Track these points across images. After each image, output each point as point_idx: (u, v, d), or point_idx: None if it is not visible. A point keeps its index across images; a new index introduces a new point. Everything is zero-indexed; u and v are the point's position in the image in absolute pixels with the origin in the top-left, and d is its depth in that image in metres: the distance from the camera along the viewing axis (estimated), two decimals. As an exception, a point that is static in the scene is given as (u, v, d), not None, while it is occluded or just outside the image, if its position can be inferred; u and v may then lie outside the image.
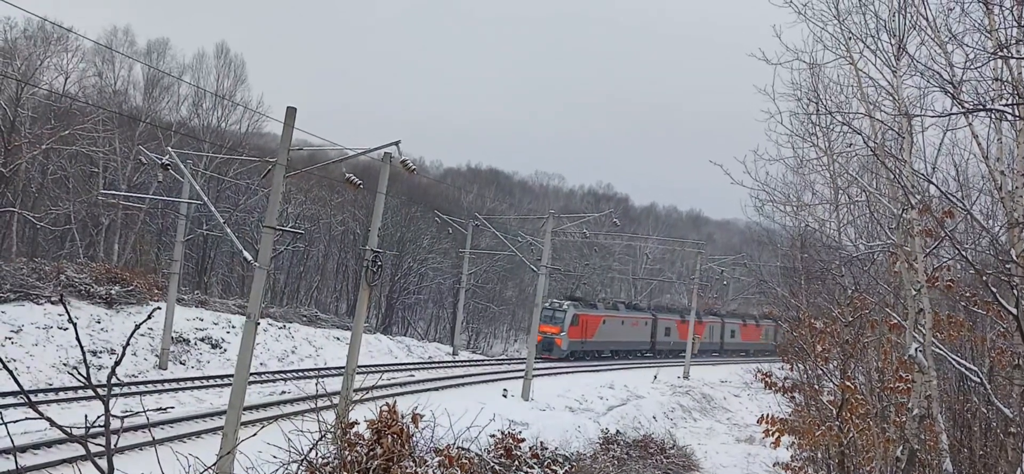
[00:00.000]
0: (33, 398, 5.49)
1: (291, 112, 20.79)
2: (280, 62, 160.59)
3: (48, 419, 5.08)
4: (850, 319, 17.25)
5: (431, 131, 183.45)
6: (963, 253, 13.03)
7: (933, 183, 13.91)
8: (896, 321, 14.91)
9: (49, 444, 20.39)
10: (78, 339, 4.77)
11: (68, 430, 5.26)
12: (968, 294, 14.63)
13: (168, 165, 32.21)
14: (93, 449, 5.22)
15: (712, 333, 75.41)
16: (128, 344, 5.12)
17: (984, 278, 11.85)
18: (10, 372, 5.02)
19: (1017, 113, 11.34)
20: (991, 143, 12.73)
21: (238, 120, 59.00)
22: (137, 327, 5.45)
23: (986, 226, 14.17)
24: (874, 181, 17.39)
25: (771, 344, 72.18)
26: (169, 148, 33.27)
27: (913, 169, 13.48)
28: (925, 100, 13.69)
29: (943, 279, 14.23)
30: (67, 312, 4.96)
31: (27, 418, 5.43)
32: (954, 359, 13.89)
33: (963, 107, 10.99)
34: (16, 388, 24.40)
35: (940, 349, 13.68)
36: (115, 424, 5.07)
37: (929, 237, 13.59)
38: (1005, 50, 10.92)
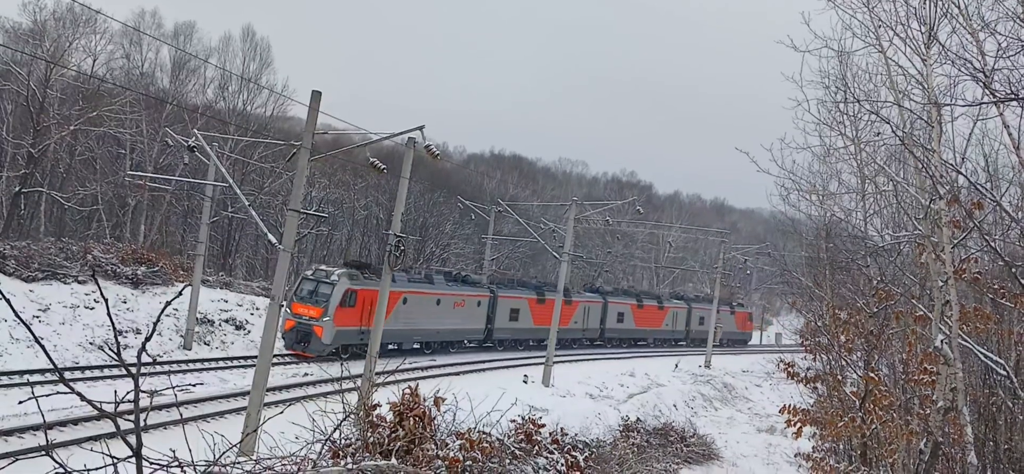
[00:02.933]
0: (62, 376, 5.56)
1: (316, 96, 20.87)
2: (306, 46, 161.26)
3: (79, 394, 5.13)
4: (875, 310, 17.12)
5: (455, 117, 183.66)
6: (992, 244, 12.91)
7: (962, 173, 13.77)
8: (922, 313, 14.78)
9: (76, 421, 20.69)
10: (109, 316, 4.82)
11: (99, 406, 5.32)
12: (995, 286, 14.49)
13: (194, 147, 32.44)
14: (122, 426, 5.29)
15: (587, 317, 57.64)
16: (158, 321, 5.17)
17: (1013, 270, 11.74)
18: (43, 348, 5.10)
19: (1049, 103, 11.18)
20: (1022, 133, 12.56)
21: (263, 103, 59.35)
22: (167, 304, 5.51)
23: (1015, 217, 14.01)
24: (902, 171, 17.25)
25: (678, 331, 69.24)
26: (195, 130, 33.53)
27: (942, 159, 13.34)
28: (955, 89, 13.53)
29: (970, 271, 14.08)
30: (99, 288, 5.02)
31: (57, 392, 5.51)
32: (980, 352, 13.77)
33: (994, 96, 10.84)
34: (45, 365, 24.74)
35: (966, 341, 13.56)
36: (144, 402, 5.13)
37: (957, 228, 13.45)
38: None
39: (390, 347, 38.29)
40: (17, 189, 44.72)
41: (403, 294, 40.09)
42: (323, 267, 39.84)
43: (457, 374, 35.20)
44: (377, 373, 22.16)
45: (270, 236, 25.30)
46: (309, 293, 36.74)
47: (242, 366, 31.77)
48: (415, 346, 42.58)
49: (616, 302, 61.03)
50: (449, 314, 43.76)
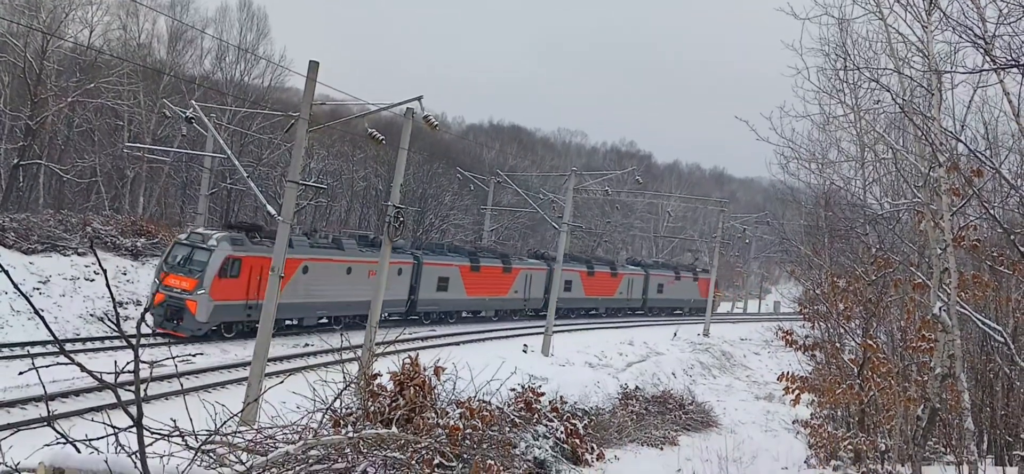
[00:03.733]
0: (62, 347, 5.58)
1: (313, 66, 20.80)
2: (303, 16, 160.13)
3: (79, 365, 5.16)
4: (873, 278, 17.16)
5: (453, 87, 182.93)
6: (991, 212, 12.91)
7: (962, 141, 13.74)
8: (920, 280, 14.81)
9: (78, 392, 20.80)
10: (109, 288, 4.83)
11: (99, 376, 5.35)
12: (994, 253, 14.52)
13: (192, 118, 32.37)
14: (123, 396, 5.32)
15: (529, 285, 52.78)
16: (155, 292, 5.18)
17: (1011, 237, 11.76)
18: (43, 320, 5.11)
19: (1050, 70, 11.13)
20: (1022, 100, 12.53)
21: (261, 74, 59.12)
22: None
23: (1015, 185, 14.01)
24: (901, 139, 17.21)
25: (635, 300, 63.99)
26: (193, 101, 33.41)
27: (942, 127, 13.30)
28: (956, 56, 13.47)
29: (969, 238, 14.10)
30: (98, 260, 5.03)
31: (58, 364, 5.53)
32: (978, 319, 13.80)
33: (995, 63, 10.79)
34: (46, 337, 24.83)
35: (964, 308, 13.60)
36: (144, 372, 5.16)
37: (956, 196, 13.44)
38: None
39: (288, 323, 35.25)
40: (15, 162, 44.61)
41: (302, 261, 34.77)
42: (200, 230, 34.40)
43: (457, 344, 35.36)
44: (378, 343, 22.25)
45: (269, 207, 25.29)
46: (182, 261, 31.01)
47: (243, 337, 31.86)
48: (322, 321, 37.67)
49: (566, 269, 54.00)
50: (362, 283, 35.71)
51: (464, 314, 47.52)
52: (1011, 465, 14.96)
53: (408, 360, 13.05)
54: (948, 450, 16.45)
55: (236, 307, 31.60)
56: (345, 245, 38.42)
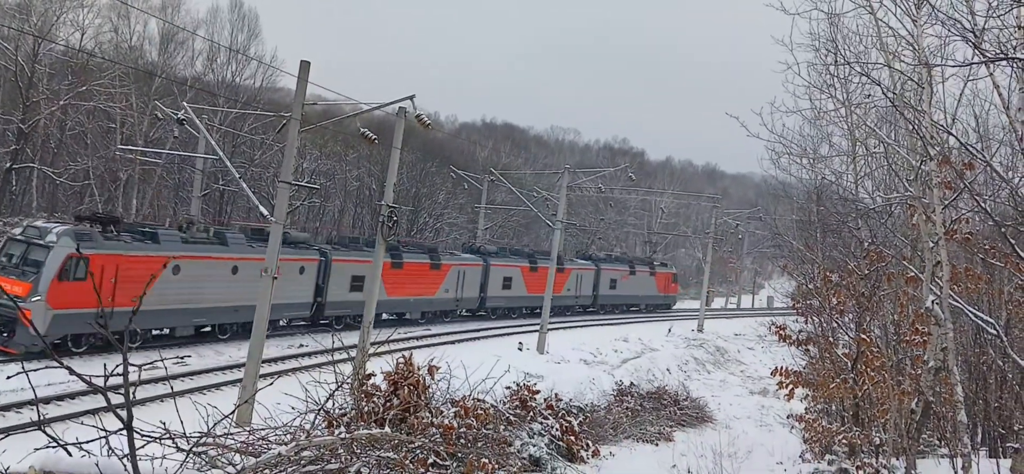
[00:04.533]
0: (51, 351, 5.55)
1: (305, 66, 20.77)
2: (294, 16, 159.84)
3: (69, 369, 5.14)
4: (866, 272, 17.19)
5: (446, 86, 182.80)
6: (982, 205, 12.94)
7: (953, 134, 13.76)
8: (913, 274, 14.85)
9: (72, 395, 20.77)
10: (96, 292, 4.82)
11: (88, 379, 5.34)
12: (986, 246, 14.55)
13: (184, 120, 32.26)
14: (113, 399, 5.30)
15: (461, 283, 46.82)
16: (144, 294, 5.17)
17: (1003, 230, 11.78)
18: (31, 324, 5.09)
19: (1039, 62, 11.16)
20: (1012, 93, 12.56)
21: (252, 75, 58.99)
22: (153, 277, 5.50)
23: (1006, 177, 14.04)
24: (892, 132, 17.25)
25: (584, 296, 58.97)
26: (184, 103, 33.30)
27: (933, 120, 13.33)
28: (946, 50, 13.51)
29: (961, 231, 14.13)
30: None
31: (48, 367, 5.51)
32: (971, 312, 13.84)
33: (984, 56, 10.81)
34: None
35: (957, 302, 13.63)
36: (134, 374, 5.14)
37: (948, 189, 13.47)
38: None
39: (155, 333, 29.56)
40: (8, 165, 44.49)
41: (171, 260, 28.67)
42: (38, 223, 29.62)
43: (452, 343, 35.40)
44: (373, 343, 22.22)
45: (261, 208, 25.19)
46: (15, 261, 25.95)
47: (237, 338, 31.79)
48: (205, 329, 31.90)
49: (501, 264, 50.65)
50: (255, 285, 26.38)
51: (384, 317, 39.97)
52: (1005, 457, 15.01)
53: (402, 359, 13.02)
54: (942, 443, 16.53)
55: (84, 316, 24.25)
56: (230, 240, 32.45)
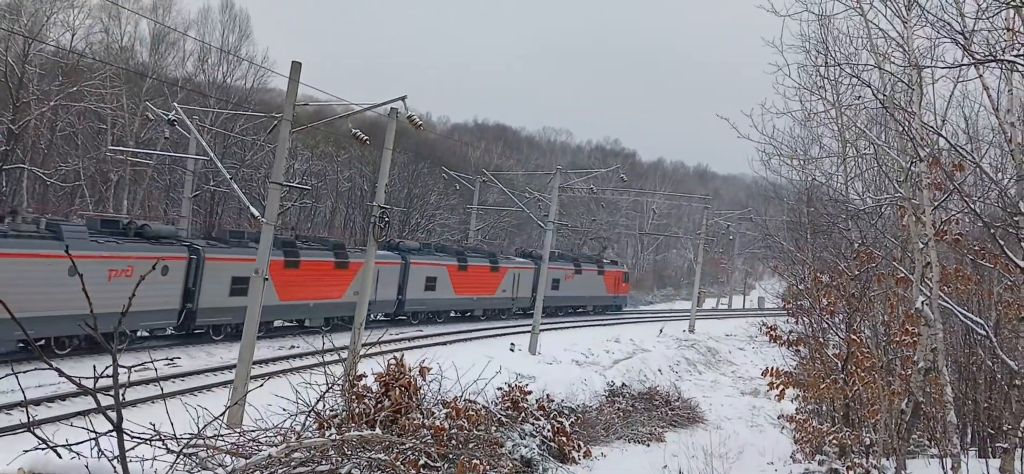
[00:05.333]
0: (40, 352, 5.54)
1: (296, 67, 20.75)
2: (285, 16, 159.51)
3: (58, 370, 5.13)
4: (856, 273, 17.25)
5: (438, 87, 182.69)
6: (972, 206, 12.99)
7: (942, 136, 13.83)
8: (903, 275, 14.90)
9: (62, 397, 20.68)
10: (85, 292, 4.81)
11: (78, 381, 5.32)
12: (976, 247, 14.61)
13: (174, 121, 32.17)
14: (103, 401, 5.29)
15: (373, 284, 35.83)
16: (133, 295, 5.15)
17: (992, 231, 11.84)
18: (20, 325, 5.08)
19: (1028, 64, 11.22)
20: (1002, 94, 12.64)
21: (243, 75, 58.84)
22: (142, 278, 5.49)
23: (995, 179, 14.10)
24: (883, 134, 17.31)
25: (522, 298, 53.09)
26: (175, 104, 33.21)
27: (922, 121, 13.39)
28: (935, 51, 13.58)
29: (951, 232, 14.18)
30: (74, 264, 4.99)
31: (38, 369, 5.49)
32: (961, 312, 13.90)
33: (974, 58, 10.87)
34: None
35: (947, 302, 13.69)
36: (123, 376, 5.12)
37: (938, 190, 13.52)
38: None
39: None
40: (-3, 166, 44.28)
41: None
42: None
43: (444, 344, 35.36)
44: (364, 344, 22.21)
45: (253, 209, 25.16)
46: None
47: (228, 339, 31.73)
48: (39, 341, 24.87)
49: (424, 263, 44.63)
50: (102, 288, 24.54)
51: (278, 324, 36.57)
52: (994, 457, 15.06)
53: (393, 361, 13.03)
54: (932, 443, 16.59)
55: None
56: (67, 233, 27.00)
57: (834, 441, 16.96)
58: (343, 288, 38.11)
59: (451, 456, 11.80)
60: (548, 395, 22.38)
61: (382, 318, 41.46)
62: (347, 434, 8.92)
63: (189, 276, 30.88)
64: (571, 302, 58.79)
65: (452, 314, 47.84)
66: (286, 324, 37.25)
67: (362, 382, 12.63)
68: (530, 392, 20.30)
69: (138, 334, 29.59)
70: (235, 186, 26.23)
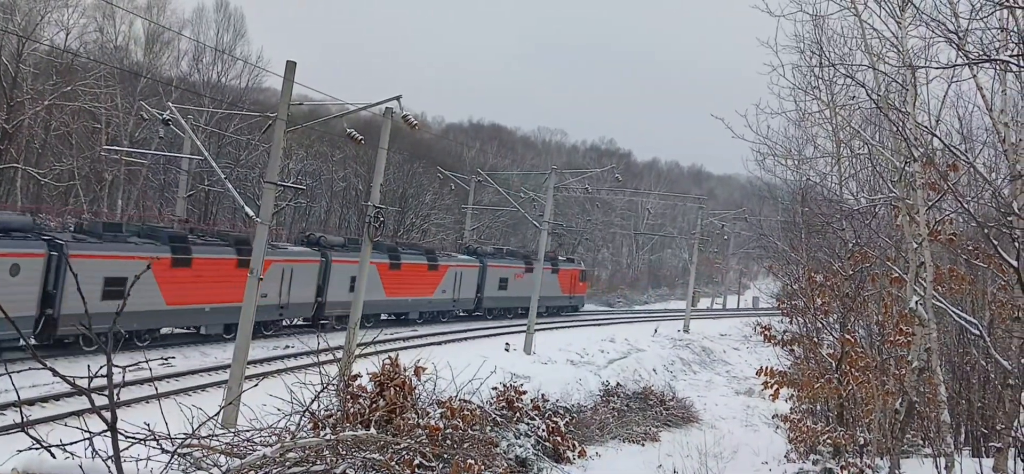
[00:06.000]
0: (34, 352, 5.53)
1: (291, 67, 20.73)
2: (280, 16, 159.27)
3: (52, 370, 5.12)
4: (851, 273, 17.29)
5: (432, 87, 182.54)
6: (966, 206, 13.02)
7: (936, 136, 13.87)
8: (897, 274, 14.94)
9: (56, 397, 20.63)
10: (79, 290, 4.79)
11: (72, 380, 5.31)
12: (970, 247, 14.66)
13: (169, 121, 32.13)
14: (97, 400, 5.28)
15: (285, 285, 35.50)
16: (128, 295, 5.14)
17: (986, 231, 11.87)
18: (14, 324, 5.06)
19: (1022, 64, 11.26)
20: (995, 95, 12.68)
21: (238, 75, 58.81)
22: (137, 277, 5.48)
23: (989, 179, 14.15)
24: (877, 134, 17.36)
25: (465, 300, 48.49)
26: (170, 103, 33.19)
27: (917, 122, 13.42)
28: (930, 51, 13.61)
29: (945, 232, 14.23)
30: (69, 265, 4.98)
31: (31, 369, 5.48)
32: (954, 312, 13.95)
33: (968, 58, 10.89)
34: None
35: (941, 302, 13.73)
36: (118, 375, 5.12)
37: (932, 190, 13.57)
38: (1011, 0, 10.81)
39: None
40: (-9, 165, 44.19)
41: None
42: None
43: (439, 344, 35.38)
44: (358, 344, 22.18)
45: (247, 209, 25.13)
46: None
47: (222, 339, 31.68)
48: None
49: (347, 260, 37.97)
50: None
51: (164, 331, 32.10)
52: (987, 456, 15.10)
53: (388, 360, 13.01)
54: (926, 442, 16.62)
55: None
56: None
57: (828, 440, 17.00)
58: (225, 292, 31.74)
59: (446, 456, 11.79)
60: (543, 395, 22.42)
61: (301, 323, 37.27)
62: (342, 434, 8.92)
63: (48, 277, 26.16)
64: (521, 303, 51.11)
65: (383, 318, 41.87)
66: (177, 331, 32.99)
67: (357, 382, 12.62)
68: (525, 392, 20.32)
69: None
70: (230, 186, 26.18)
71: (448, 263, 46.86)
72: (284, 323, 36.27)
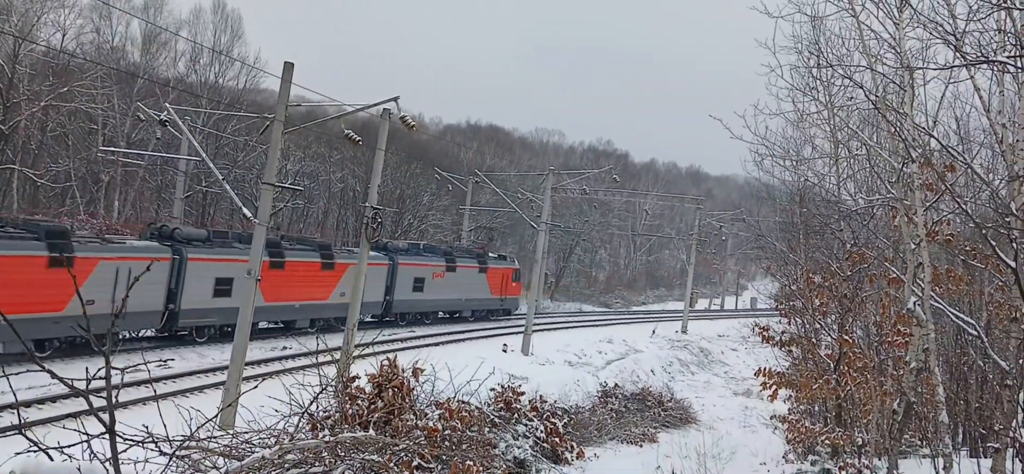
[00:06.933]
0: (32, 353, 5.51)
1: (288, 67, 20.72)
2: (278, 17, 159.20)
3: (50, 372, 5.10)
4: (849, 273, 17.29)
5: (430, 88, 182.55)
6: (963, 207, 13.02)
7: (934, 137, 13.87)
8: (895, 275, 14.94)
9: (54, 399, 20.60)
10: (78, 292, 4.78)
11: (70, 383, 5.30)
12: (967, 248, 14.66)
13: (166, 121, 32.10)
14: (95, 402, 5.27)
15: (113, 287, 26.77)
16: (127, 297, 5.13)
17: (983, 232, 11.87)
18: (11, 326, 5.05)
19: (1019, 65, 11.27)
20: (993, 96, 12.69)
21: (235, 76, 58.80)
22: (136, 279, 5.47)
23: (986, 180, 14.16)
24: (875, 135, 17.36)
25: (372, 304, 40.22)
26: (167, 104, 33.15)
27: (914, 122, 13.43)
28: (927, 52, 13.62)
29: (943, 233, 14.23)
30: (66, 264, 4.96)
31: (29, 371, 5.47)
32: (952, 313, 13.95)
33: (965, 59, 10.90)
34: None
35: (938, 303, 13.74)
36: (116, 377, 5.10)
37: (929, 191, 13.57)
38: (1008, 1, 10.82)
39: None
40: (-13, 167, 44.12)
41: None
42: None
43: (437, 345, 35.34)
44: (357, 345, 22.17)
45: (245, 210, 25.13)
46: None
47: (220, 341, 31.64)
48: None
49: (207, 259, 31.55)
50: None
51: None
52: (985, 457, 15.11)
53: (386, 362, 13.00)
54: (924, 443, 16.62)
55: None
56: None
57: (826, 441, 16.99)
58: (66, 298, 24.84)
59: (444, 457, 11.78)
60: (541, 396, 22.37)
61: (153, 333, 31.00)
62: (340, 435, 8.91)
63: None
64: (441, 306, 46.34)
65: (261, 326, 35.04)
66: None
67: (355, 383, 12.61)
68: (523, 393, 20.29)
69: None
70: (227, 187, 26.18)
71: (348, 260, 38.02)
72: (120, 335, 28.15)
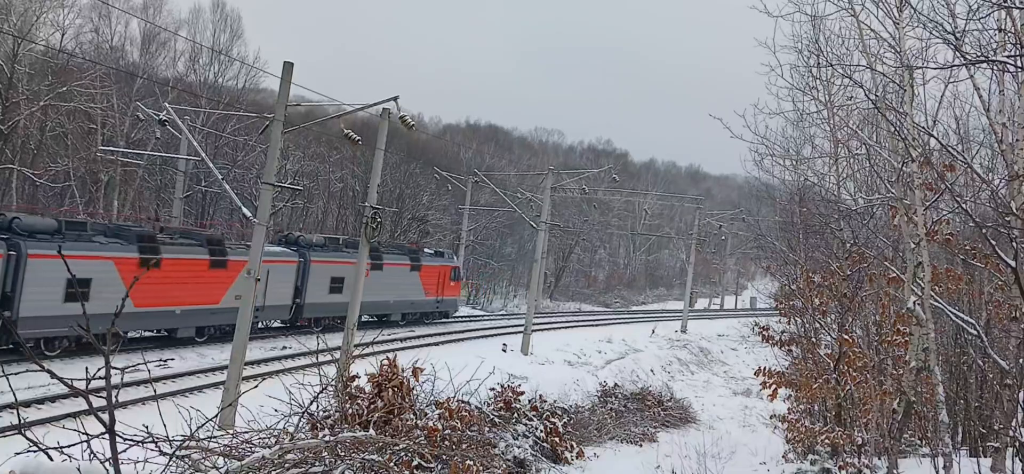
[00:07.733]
0: (31, 354, 5.50)
1: (288, 67, 20.71)
2: (277, 18, 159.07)
3: (50, 372, 5.10)
4: (848, 273, 17.29)
5: (430, 87, 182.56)
6: (963, 206, 13.03)
7: (934, 136, 13.88)
8: (895, 275, 14.94)
9: (53, 399, 20.56)
10: (76, 290, 4.78)
11: (70, 383, 5.29)
12: (967, 247, 14.66)
13: (165, 121, 32.08)
14: (95, 402, 5.26)
15: None
16: (126, 297, 5.12)
17: (983, 231, 11.87)
18: (12, 326, 5.05)
19: (1019, 65, 11.27)
20: (993, 95, 12.69)
21: (235, 76, 58.79)
22: (136, 279, 5.46)
23: (986, 179, 14.15)
24: (874, 134, 17.36)
25: (278, 306, 35.30)
26: (166, 104, 33.12)
27: (914, 122, 13.42)
28: (927, 52, 13.62)
29: (942, 232, 14.24)
30: (66, 265, 4.96)
31: (29, 370, 5.47)
32: (952, 312, 13.95)
33: (965, 59, 10.90)
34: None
35: (938, 302, 13.73)
36: (116, 377, 5.10)
37: (929, 190, 13.58)
38: (1008, 0, 10.82)
39: None
40: (-13, 166, 44.09)
41: None
42: None
43: (436, 345, 35.34)
44: (356, 345, 22.17)
45: (244, 210, 25.11)
46: None
47: (220, 340, 31.62)
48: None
49: (91, 256, 24.61)
50: None
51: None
52: (985, 456, 15.11)
53: (386, 361, 13.00)
54: (923, 442, 16.61)
55: None
56: None
57: (826, 441, 16.99)
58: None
59: (444, 457, 11.78)
60: (541, 396, 22.37)
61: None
62: (340, 435, 8.90)
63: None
64: (364, 309, 35.48)
65: (128, 335, 28.97)
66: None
67: (355, 383, 12.61)
68: (523, 393, 20.30)
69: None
70: (227, 187, 26.17)
71: (239, 259, 30.43)
72: None
